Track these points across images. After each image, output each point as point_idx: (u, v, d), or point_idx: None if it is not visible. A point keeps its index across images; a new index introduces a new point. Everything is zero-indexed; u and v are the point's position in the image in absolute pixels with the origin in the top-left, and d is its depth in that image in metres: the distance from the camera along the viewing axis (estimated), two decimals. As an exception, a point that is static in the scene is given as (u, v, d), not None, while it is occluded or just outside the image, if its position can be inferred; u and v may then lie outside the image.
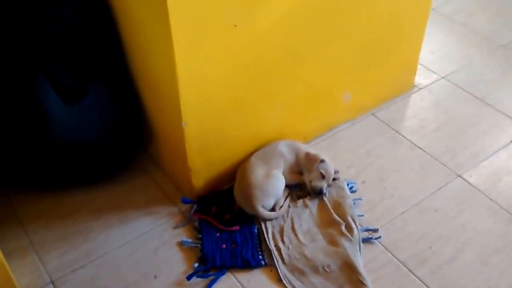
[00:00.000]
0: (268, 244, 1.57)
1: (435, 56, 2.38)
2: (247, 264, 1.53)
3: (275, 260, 1.53)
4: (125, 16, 1.56)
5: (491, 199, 1.75)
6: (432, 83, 2.23)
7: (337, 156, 1.86)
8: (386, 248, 1.59)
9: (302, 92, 1.78)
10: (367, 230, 1.63)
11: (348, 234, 1.57)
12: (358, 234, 1.58)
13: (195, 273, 1.52)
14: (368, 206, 1.71)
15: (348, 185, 1.74)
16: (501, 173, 1.84)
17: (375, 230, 1.63)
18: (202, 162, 1.66)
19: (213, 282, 1.50)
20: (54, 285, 1.52)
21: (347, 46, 1.79)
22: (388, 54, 1.96)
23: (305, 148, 1.75)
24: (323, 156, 1.70)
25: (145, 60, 1.59)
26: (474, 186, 1.79)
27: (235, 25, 1.43)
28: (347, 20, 1.72)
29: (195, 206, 1.69)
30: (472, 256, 1.58)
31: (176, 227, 1.66)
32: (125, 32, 1.61)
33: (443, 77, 2.26)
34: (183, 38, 1.35)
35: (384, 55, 1.95)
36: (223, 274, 1.52)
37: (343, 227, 1.59)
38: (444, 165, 1.86)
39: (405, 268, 1.54)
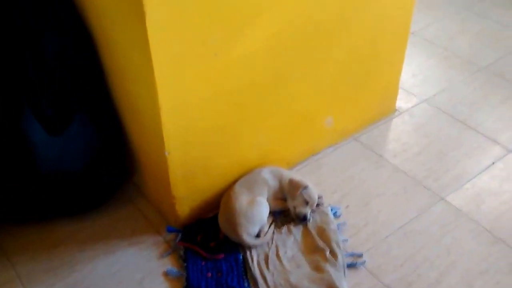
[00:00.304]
0: (253, 271, 1.57)
1: (416, 80, 2.43)
2: (232, 292, 1.54)
3: (261, 288, 1.53)
4: (108, 47, 1.58)
5: (474, 221, 1.77)
6: (414, 106, 2.27)
7: (320, 181, 1.88)
8: (371, 273, 1.60)
9: (285, 118, 1.80)
10: (351, 255, 1.63)
11: (333, 260, 1.58)
12: (342, 259, 1.59)
13: (181, 303, 1.51)
14: (353, 231, 1.72)
15: (332, 210, 1.75)
16: (484, 195, 1.86)
17: (360, 255, 1.63)
18: (186, 191, 1.67)
19: (198, 311, 1.50)
20: (40, 318, 1.51)
21: (328, 72, 1.83)
22: (368, 79, 2.00)
23: (289, 174, 1.76)
24: (306, 182, 1.71)
25: (127, 90, 1.61)
26: (457, 209, 1.81)
27: (216, 54, 1.46)
28: (327, 47, 1.75)
29: (180, 234, 1.70)
30: (457, 279, 1.59)
31: (161, 256, 1.66)
32: (108, 62, 1.63)
33: (424, 100, 2.30)
34: (164, 68, 1.37)
35: (365, 80, 1.99)
36: (208, 303, 1.52)
37: (327, 253, 1.60)
38: (427, 188, 1.88)
39: (390, 293, 1.55)
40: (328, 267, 1.56)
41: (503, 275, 1.60)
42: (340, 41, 1.78)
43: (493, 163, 1.99)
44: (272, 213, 1.71)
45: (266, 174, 1.73)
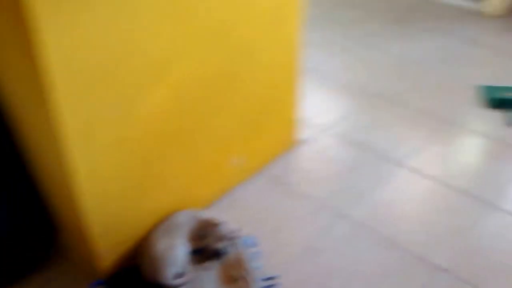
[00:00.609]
0: (179, 309, 1.69)
1: (316, 111, 2.67)
2: (161, 332, 1.64)
3: (187, 323, 1.65)
4: (20, 122, 1.68)
5: (375, 232, 1.98)
6: (315, 136, 2.50)
7: (235, 217, 2.03)
8: (286, 292, 1.76)
9: (196, 164, 1.96)
10: (267, 279, 1.79)
11: (250, 287, 1.73)
12: (258, 285, 1.74)
13: None
14: (267, 257, 1.88)
15: (246, 241, 1.90)
16: (382, 208, 2.09)
17: (274, 277, 1.79)
18: (107, 245, 1.77)
19: None
20: None
21: (231, 117, 2.01)
22: (269, 117, 2.21)
23: (203, 214, 1.91)
24: (220, 219, 1.86)
25: (42, 159, 1.71)
26: (359, 222, 2.02)
27: (124, 115, 1.60)
28: (227, 95, 1.94)
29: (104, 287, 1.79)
30: (362, 286, 1.78)
31: (89, 312, 1.75)
32: (22, 138, 1.73)
33: (325, 130, 2.54)
34: (74, 134, 1.49)
35: (266, 118, 2.19)
36: None
37: (244, 282, 1.74)
38: (333, 208, 2.09)
39: (304, 307, 1.72)
40: (246, 294, 1.71)
41: (401, 276, 1.81)
42: (238, 88, 1.98)
43: (390, 179, 2.23)
44: (191, 253, 1.84)
45: (182, 217, 1.87)
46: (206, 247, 1.86)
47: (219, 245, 1.83)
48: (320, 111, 2.68)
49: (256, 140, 2.20)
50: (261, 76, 2.07)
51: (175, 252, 1.77)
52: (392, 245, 1.92)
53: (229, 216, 1.98)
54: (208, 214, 1.93)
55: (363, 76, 2.99)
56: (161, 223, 1.87)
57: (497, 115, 2.62)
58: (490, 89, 2.74)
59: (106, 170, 1.65)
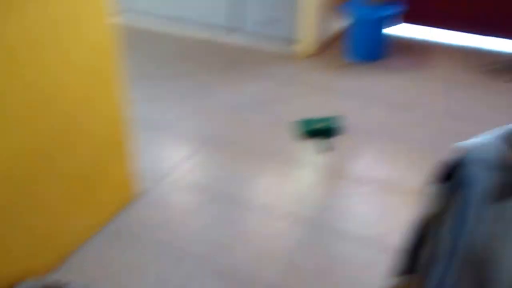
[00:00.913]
0: None
1: (155, 161, 2.86)
2: None
3: None
4: None
5: (214, 264, 2.20)
6: (155, 184, 2.68)
7: (82, 275, 2.13)
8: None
9: (34, 233, 2.02)
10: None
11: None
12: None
13: None
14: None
15: (94, 296, 2.02)
16: (220, 242, 2.33)
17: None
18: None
19: None
20: None
21: (61, 185, 2.09)
22: (103, 176, 2.33)
23: (48, 278, 1.98)
24: (66, 280, 1.95)
25: None
26: (200, 258, 2.23)
27: None
28: (55, 164, 2.04)
29: None
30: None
31: None
32: None
33: (164, 177, 2.74)
34: None
35: (100, 178, 2.31)
36: None
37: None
38: (176, 249, 2.28)
39: None
40: None
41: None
42: (64, 156, 2.07)
43: (226, 214, 2.49)
44: (40, 317, 1.91)
45: (25, 285, 1.92)
46: (54, 310, 1.93)
47: (67, 305, 1.92)
48: (159, 161, 2.89)
49: (93, 201, 2.32)
50: (87, 141, 2.19)
51: (22, 321, 1.82)
52: (229, 275, 2.16)
53: (76, 276, 2.07)
54: (54, 278, 2.01)
55: (197, 123, 3.26)
56: (5, 295, 1.90)
57: (311, 145, 3.04)
58: (304, 122, 3.16)
59: None
